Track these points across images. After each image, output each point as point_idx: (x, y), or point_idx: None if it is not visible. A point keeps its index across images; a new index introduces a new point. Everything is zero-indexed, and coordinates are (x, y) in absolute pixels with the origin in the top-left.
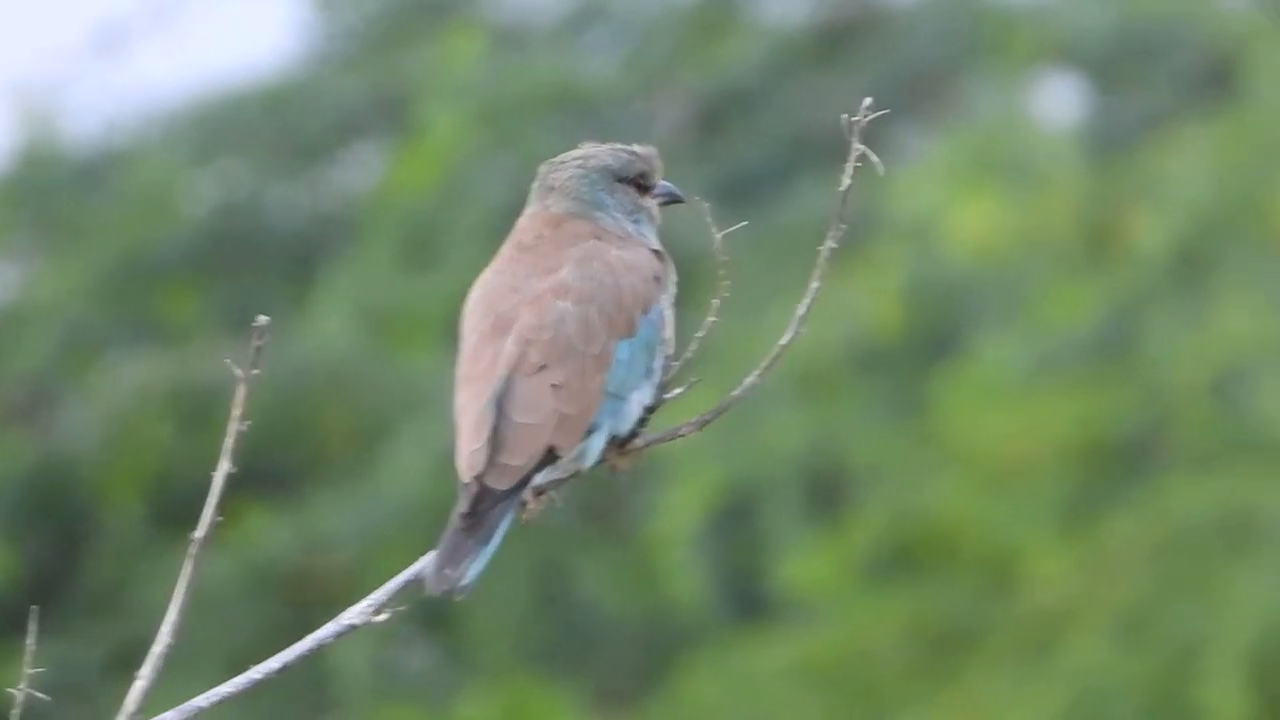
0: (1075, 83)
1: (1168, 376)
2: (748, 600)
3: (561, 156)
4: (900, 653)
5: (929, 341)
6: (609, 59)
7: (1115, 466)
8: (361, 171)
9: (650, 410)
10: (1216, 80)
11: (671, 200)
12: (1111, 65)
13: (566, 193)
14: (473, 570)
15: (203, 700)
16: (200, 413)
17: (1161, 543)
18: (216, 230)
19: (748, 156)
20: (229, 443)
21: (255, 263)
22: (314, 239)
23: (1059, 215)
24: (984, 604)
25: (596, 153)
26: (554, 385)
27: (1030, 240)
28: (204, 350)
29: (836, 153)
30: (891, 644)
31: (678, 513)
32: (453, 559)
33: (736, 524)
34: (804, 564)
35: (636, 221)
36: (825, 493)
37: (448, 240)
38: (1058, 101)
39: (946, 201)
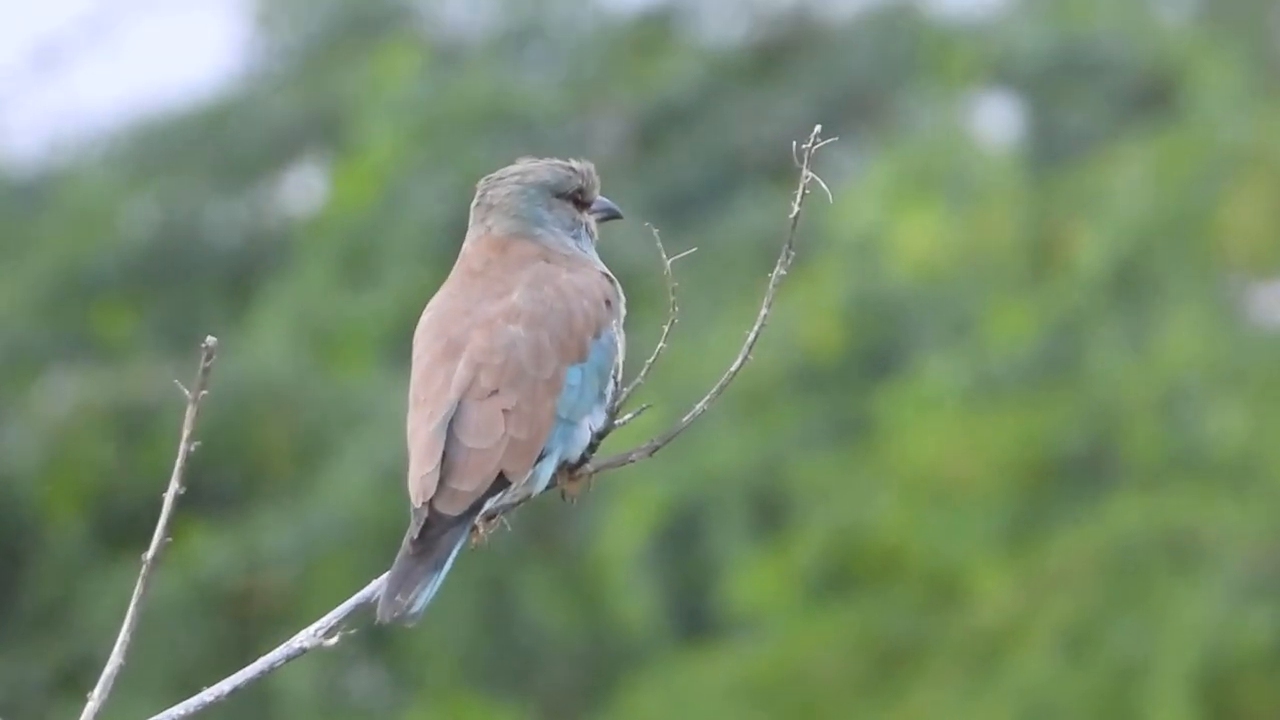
0: (1013, 101)
1: (1111, 394)
2: (693, 618)
3: (499, 172)
4: (845, 670)
5: (870, 360)
6: (546, 76)
7: (1059, 484)
8: (300, 189)
9: (601, 435)
10: (1154, 98)
11: (610, 216)
12: (1049, 83)
13: (506, 210)
14: (423, 598)
15: None
16: (140, 430)
17: (1105, 560)
18: (155, 248)
19: (685, 174)
20: (179, 463)
21: (194, 280)
22: (253, 257)
23: (1000, 232)
24: (929, 621)
25: (534, 168)
26: (505, 410)
27: (972, 258)
28: (143, 368)
29: (774, 170)
30: (837, 661)
31: (622, 532)
32: (403, 586)
33: (681, 542)
34: (748, 581)
35: (575, 237)
36: (769, 511)
37: (386, 257)
38: (996, 119)
39: (887, 219)
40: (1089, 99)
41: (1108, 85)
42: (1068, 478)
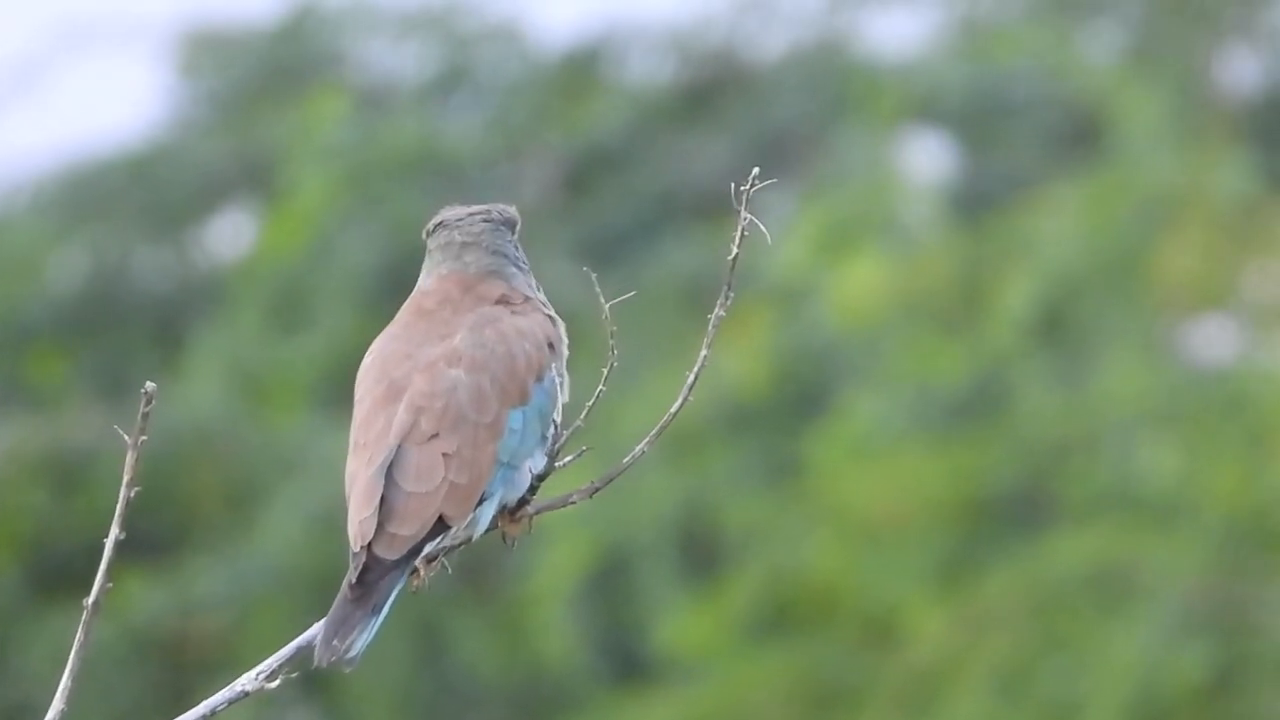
0: (941, 140)
1: (1041, 433)
2: (627, 661)
3: (456, 210)
4: (781, 711)
5: (798, 401)
6: (474, 121)
7: (992, 523)
8: (229, 235)
9: (541, 478)
10: (1082, 136)
11: None
12: (977, 121)
13: (486, 247)
14: (360, 641)
15: None
16: (74, 477)
17: (1039, 598)
18: (86, 295)
19: (614, 216)
20: (119, 508)
21: (124, 327)
22: (183, 302)
23: (930, 276)
24: (864, 661)
25: (493, 207)
26: (445, 454)
27: (902, 301)
28: (76, 415)
29: (703, 211)
30: (773, 703)
31: (553, 574)
32: (340, 630)
33: (613, 585)
34: (682, 624)
35: (527, 273)
36: (700, 553)
37: (317, 302)
38: (925, 159)
39: (820, 266)
40: (1017, 137)
41: (1035, 123)
42: (1000, 516)
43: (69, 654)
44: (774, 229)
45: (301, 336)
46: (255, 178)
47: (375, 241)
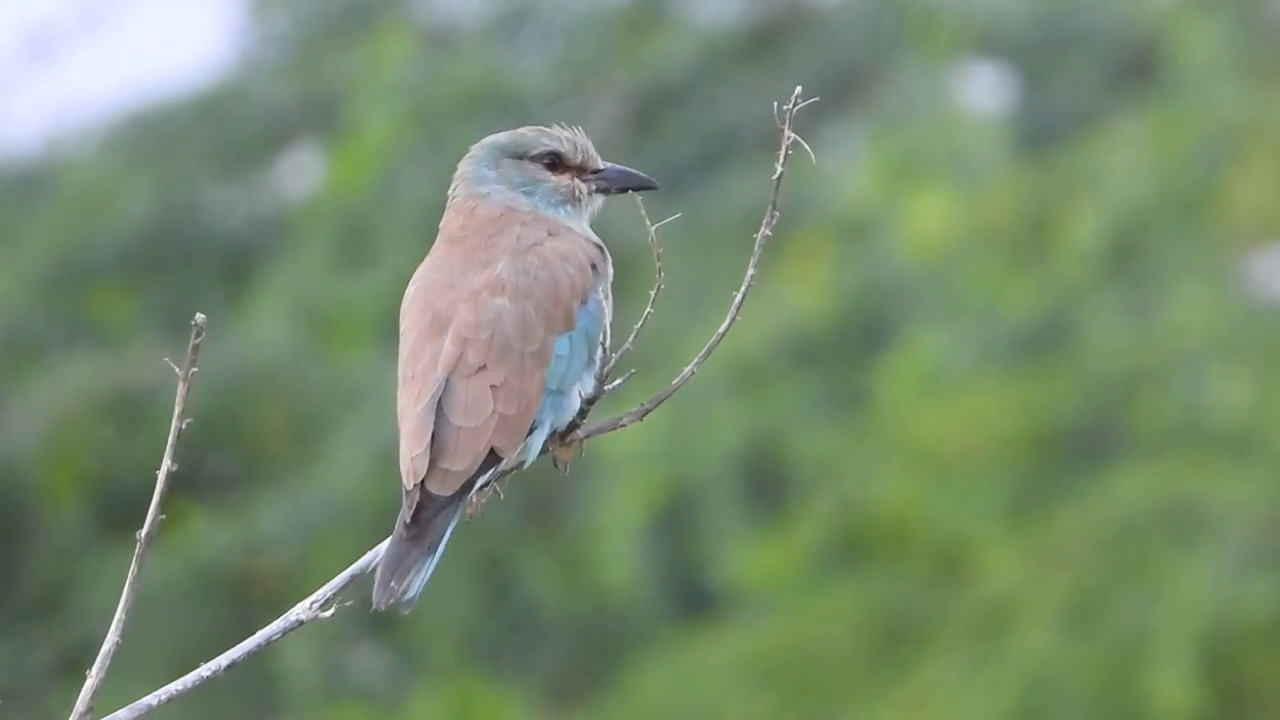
0: (1001, 73)
1: (1111, 367)
2: (695, 596)
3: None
4: (850, 645)
5: (864, 334)
6: (540, 58)
7: (1062, 457)
8: (296, 173)
9: (590, 402)
10: (1142, 68)
11: (628, 185)
12: (1035, 54)
13: (462, 177)
14: (417, 582)
15: (153, 698)
16: (139, 414)
17: (1108, 533)
18: (153, 233)
19: (680, 153)
20: (171, 440)
21: (191, 265)
22: (250, 241)
23: (996, 210)
24: (933, 595)
25: (494, 135)
26: (493, 386)
27: (969, 234)
28: (141, 352)
29: (767, 147)
30: (841, 637)
31: (620, 511)
32: (397, 571)
33: (679, 519)
34: (750, 559)
35: (528, 194)
36: (767, 487)
37: (382, 239)
38: (985, 92)
39: (884, 197)
40: (1077, 69)
41: (1095, 54)
42: (1070, 450)
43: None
44: (838, 165)
45: (366, 273)
46: (322, 117)
47: (440, 179)
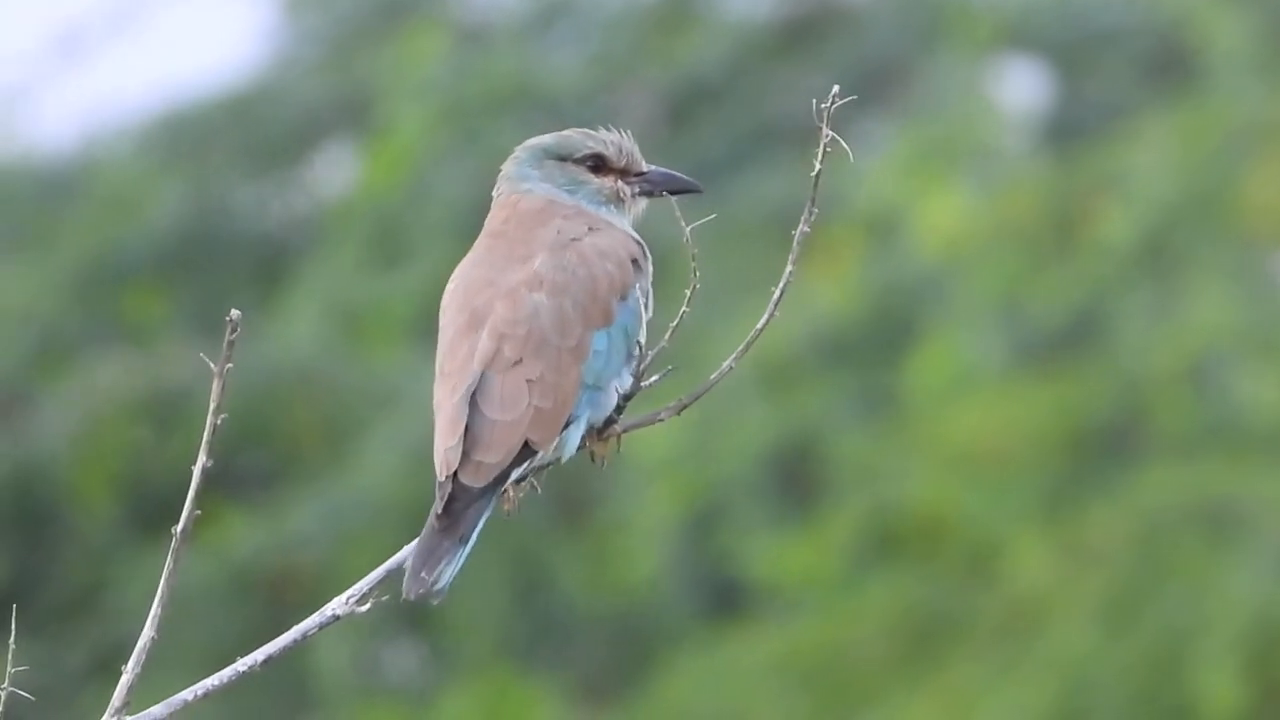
0: (1034, 68)
1: (1141, 365)
2: (726, 595)
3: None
4: (882, 645)
5: (893, 332)
6: (573, 55)
7: (1093, 455)
8: (329, 172)
9: (628, 397)
10: (1174, 63)
11: (673, 189)
12: (1068, 49)
13: (505, 176)
14: (448, 573)
15: (189, 694)
16: (172, 414)
17: (1141, 531)
18: (186, 233)
19: (713, 149)
20: (206, 437)
21: (224, 265)
22: (282, 240)
23: (1021, 206)
24: (966, 594)
25: (538, 136)
26: (529, 380)
27: (993, 230)
28: (174, 352)
29: (800, 143)
30: (873, 636)
31: (652, 510)
32: (428, 562)
33: (710, 518)
34: (781, 558)
35: (571, 194)
36: (799, 486)
37: (415, 238)
38: (1018, 87)
39: (912, 192)
40: (1109, 64)
41: (1127, 50)
42: (1101, 449)
43: (158, 585)
44: (871, 159)
45: (399, 273)
46: (355, 115)
47: (473, 177)
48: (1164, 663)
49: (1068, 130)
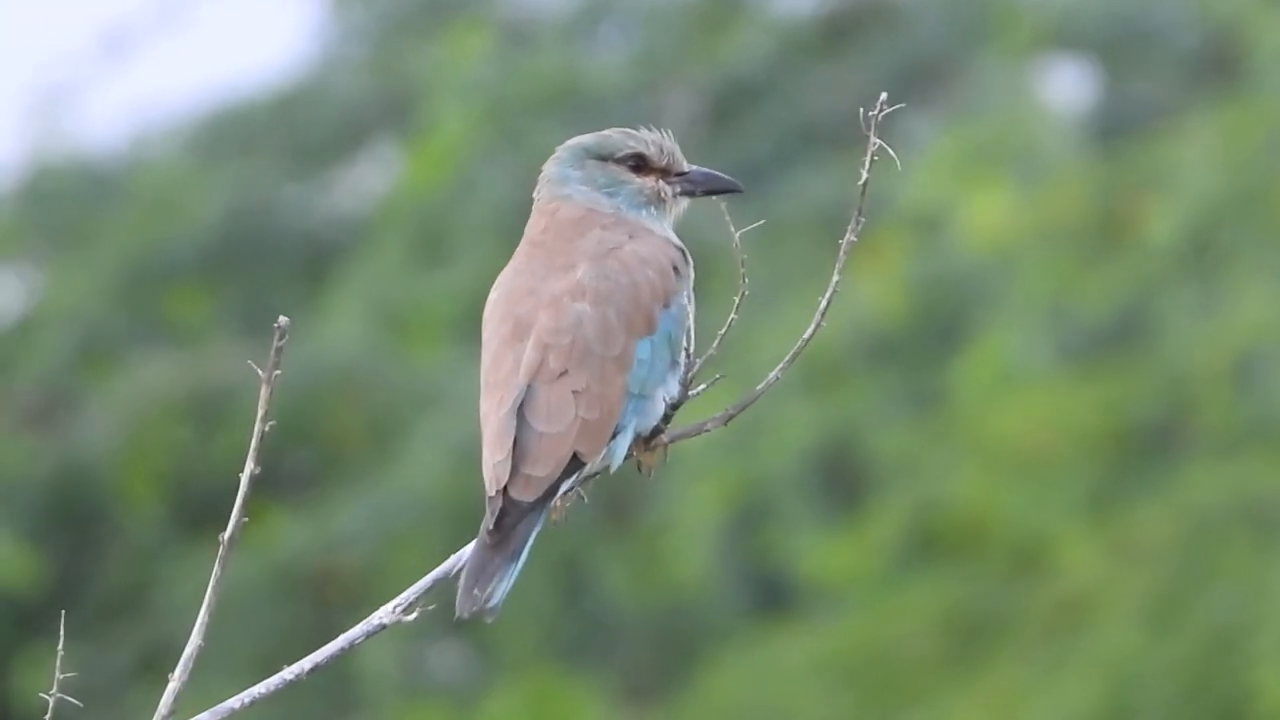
0: (1079, 67)
1: (1186, 363)
2: (771, 594)
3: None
4: (928, 643)
5: (938, 331)
6: (617, 54)
7: (1138, 454)
8: (372, 171)
9: (675, 406)
10: (1220, 62)
11: (713, 189)
12: (1114, 49)
13: (546, 178)
14: (500, 590)
15: (236, 701)
16: (216, 414)
17: (1188, 529)
18: (229, 232)
19: (757, 148)
20: (254, 443)
21: (267, 265)
22: (326, 239)
23: (1067, 205)
24: (1012, 592)
25: (579, 136)
26: (575, 391)
27: (1038, 229)
28: (219, 352)
29: (844, 142)
30: (919, 634)
31: (696, 509)
32: (480, 579)
33: (755, 518)
34: (826, 556)
35: (611, 195)
36: (843, 484)
37: (458, 238)
38: (1063, 86)
39: (957, 192)
40: (1155, 63)
41: (1173, 49)
42: (1147, 447)
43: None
44: (916, 159)
45: (443, 273)
46: (398, 114)
47: (516, 177)
48: (1211, 661)
49: (1113, 129)
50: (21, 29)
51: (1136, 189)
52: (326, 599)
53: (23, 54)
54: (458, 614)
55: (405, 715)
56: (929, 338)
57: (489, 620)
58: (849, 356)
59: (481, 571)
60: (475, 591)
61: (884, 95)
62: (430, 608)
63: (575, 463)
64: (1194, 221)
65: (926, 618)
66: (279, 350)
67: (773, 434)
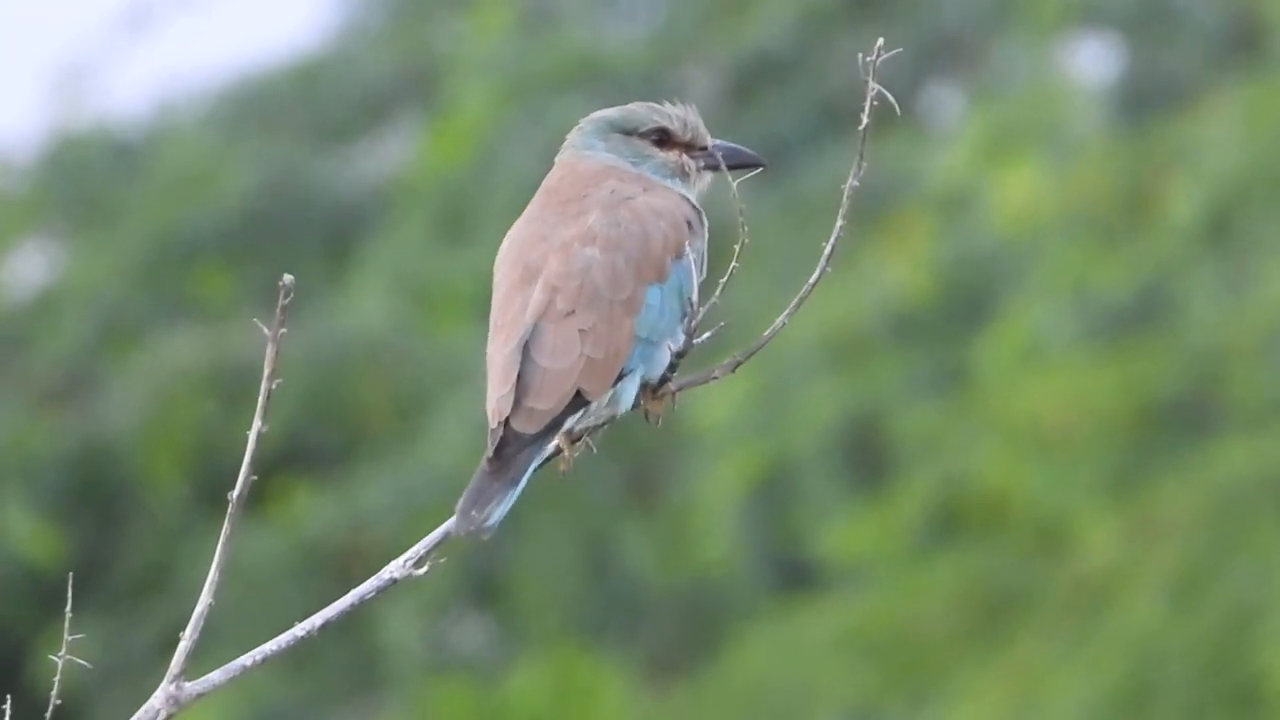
0: (1105, 44)
1: (1209, 341)
2: (794, 571)
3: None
4: (950, 620)
5: (963, 309)
6: (638, 30)
7: (1162, 431)
8: (395, 147)
9: (680, 355)
10: (1247, 39)
11: (736, 163)
12: (1140, 25)
13: (568, 144)
14: (497, 512)
15: (247, 659)
16: (240, 391)
17: (1211, 506)
18: (252, 209)
19: (779, 123)
20: (261, 400)
21: (291, 241)
22: (349, 216)
23: (1093, 183)
24: (1034, 569)
25: (604, 110)
26: (581, 330)
27: (1065, 208)
28: (241, 329)
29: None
30: (941, 611)
31: (719, 486)
32: (478, 501)
33: (778, 494)
34: (849, 533)
35: (635, 165)
36: (866, 462)
37: (481, 214)
38: (1089, 63)
39: (984, 170)
40: (1182, 41)
41: (1200, 26)
42: (1170, 424)
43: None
44: (941, 134)
45: (466, 248)
46: (420, 89)
47: (539, 154)
48: (1233, 638)
49: (1138, 106)
50: (45, 4)
51: (1161, 167)
52: (351, 575)
53: (47, 29)
54: (454, 533)
55: (429, 689)
56: (954, 316)
57: (484, 538)
58: (874, 335)
59: (480, 495)
60: (473, 513)
61: (880, 40)
62: (441, 560)
63: (579, 400)
64: (1217, 199)
65: (949, 595)
66: (284, 309)
67: (797, 412)
